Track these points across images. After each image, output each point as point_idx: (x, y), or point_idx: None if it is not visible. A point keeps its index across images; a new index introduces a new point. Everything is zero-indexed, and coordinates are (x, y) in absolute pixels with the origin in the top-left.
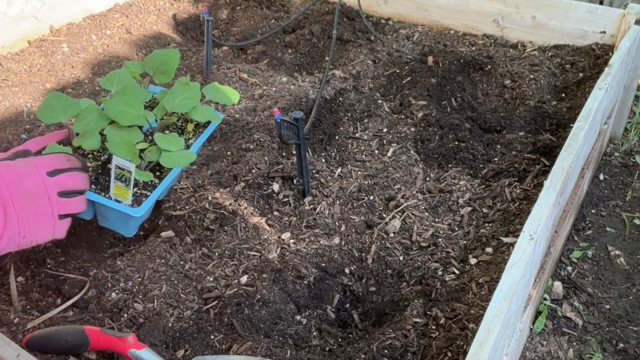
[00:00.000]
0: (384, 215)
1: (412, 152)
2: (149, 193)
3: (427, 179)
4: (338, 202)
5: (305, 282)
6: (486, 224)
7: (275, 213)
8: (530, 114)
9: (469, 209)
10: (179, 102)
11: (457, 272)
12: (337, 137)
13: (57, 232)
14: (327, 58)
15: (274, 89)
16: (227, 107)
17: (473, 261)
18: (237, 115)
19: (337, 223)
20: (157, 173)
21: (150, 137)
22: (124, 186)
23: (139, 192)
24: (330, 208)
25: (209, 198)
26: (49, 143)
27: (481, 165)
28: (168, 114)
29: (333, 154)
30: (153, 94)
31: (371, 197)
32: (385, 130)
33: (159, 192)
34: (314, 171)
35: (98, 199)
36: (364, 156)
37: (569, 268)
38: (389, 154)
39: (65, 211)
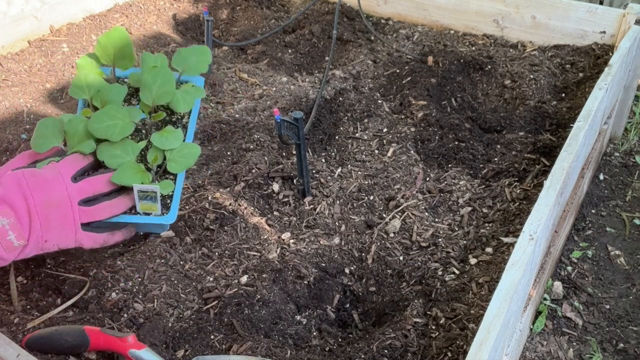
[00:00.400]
0: (384, 215)
1: (412, 152)
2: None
3: (427, 179)
4: (338, 202)
5: (305, 282)
6: (486, 224)
7: (275, 213)
8: (530, 114)
9: (469, 209)
10: (156, 93)
11: (457, 272)
12: (337, 137)
13: (79, 241)
14: (327, 58)
15: (274, 89)
16: (227, 107)
17: (473, 261)
18: (237, 115)
19: (337, 223)
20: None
21: (144, 130)
22: (151, 203)
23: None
24: (330, 208)
25: (209, 198)
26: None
27: (481, 165)
28: (153, 108)
29: (333, 154)
30: (125, 80)
31: (371, 197)
32: (385, 130)
33: (179, 192)
34: (314, 171)
35: (129, 219)
36: (364, 156)
37: (569, 268)
38: (389, 154)
39: (87, 219)
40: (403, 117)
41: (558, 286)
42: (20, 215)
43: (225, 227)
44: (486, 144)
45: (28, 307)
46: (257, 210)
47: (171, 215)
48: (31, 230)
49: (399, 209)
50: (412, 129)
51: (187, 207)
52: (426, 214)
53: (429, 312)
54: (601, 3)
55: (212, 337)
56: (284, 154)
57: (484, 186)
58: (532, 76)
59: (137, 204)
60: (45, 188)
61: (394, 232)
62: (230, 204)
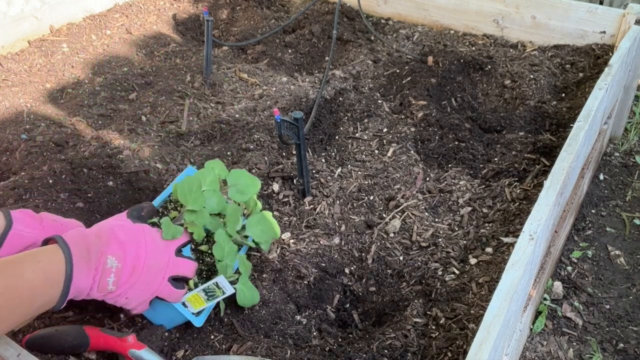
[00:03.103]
0: (384, 215)
1: (412, 152)
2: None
3: (427, 179)
4: (338, 202)
5: (305, 282)
6: (486, 224)
7: (275, 213)
8: (530, 114)
9: (469, 209)
10: (257, 231)
11: (457, 272)
12: (337, 137)
13: (139, 309)
14: (327, 58)
15: (274, 89)
16: (227, 107)
17: (473, 261)
18: (237, 115)
19: (337, 223)
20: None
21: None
22: (205, 299)
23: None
24: (330, 208)
25: None
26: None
27: (481, 165)
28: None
29: (333, 154)
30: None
31: (371, 197)
32: (385, 130)
33: (212, 306)
34: (314, 171)
35: (172, 305)
36: (364, 156)
37: (569, 268)
38: (389, 154)
39: (162, 296)
40: (403, 117)
41: (558, 286)
42: (127, 268)
43: None
44: (486, 144)
45: None
46: None
47: (200, 320)
48: (123, 283)
49: (399, 209)
50: (412, 129)
51: None
52: (426, 214)
53: (429, 312)
54: (601, 3)
55: (212, 337)
56: (284, 154)
57: (484, 186)
58: (532, 76)
59: (190, 293)
60: (157, 255)
61: (394, 232)
62: None
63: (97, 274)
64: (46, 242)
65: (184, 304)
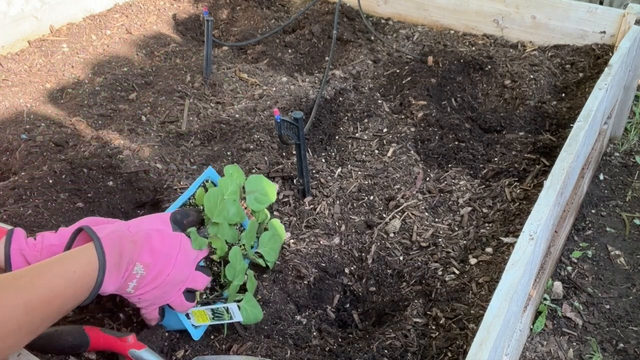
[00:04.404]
0: (384, 215)
1: (412, 152)
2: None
3: (427, 179)
4: (338, 202)
5: (305, 282)
6: (486, 224)
7: (275, 213)
8: (530, 114)
9: (469, 209)
10: (267, 249)
11: (457, 272)
12: (337, 137)
13: (148, 310)
14: (327, 58)
15: (274, 89)
16: (227, 107)
17: (473, 261)
18: (237, 115)
19: (337, 223)
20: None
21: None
22: (210, 317)
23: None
24: (330, 208)
25: None
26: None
27: (481, 165)
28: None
29: (333, 154)
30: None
31: (371, 197)
32: (385, 130)
33: (208, 325)
34: (314, 171)
35: (177, 315)
36: (364, 156)
37: (569, 268)
38: (389, 154)
39: (173, 305)
40: (403, 117)
41: (558, 286)
42: (150, 276)
43: None
44: (486, 144)
45: None
46: None
47: (197, 333)
48: (141, 287)
49: (399, 209)
50: (412, 129)
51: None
52: (426, 214)
53: (429, 312)
54: (601, 3)
55: (212, 337)
56: (284, 154)
57: (484, 186)
58: (532, 76)
59: (197, 307)
60: (183, 268)
61: (394, 232)
62: None
63: (123, 279)
64: (78, 231)
65: (187, 314)
